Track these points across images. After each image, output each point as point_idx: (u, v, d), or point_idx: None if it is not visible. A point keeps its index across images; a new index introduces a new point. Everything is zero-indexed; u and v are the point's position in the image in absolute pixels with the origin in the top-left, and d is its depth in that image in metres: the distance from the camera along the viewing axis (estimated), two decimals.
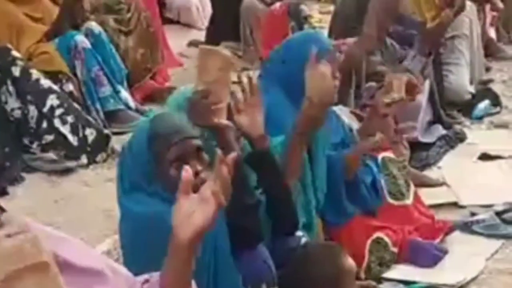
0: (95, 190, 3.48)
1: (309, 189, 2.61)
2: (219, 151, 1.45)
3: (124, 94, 4.43)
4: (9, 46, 4.01)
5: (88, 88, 4.26)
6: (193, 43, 6.01)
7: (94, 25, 4.47)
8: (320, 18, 6.50)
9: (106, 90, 4.31)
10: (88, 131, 3.89)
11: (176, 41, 5.87)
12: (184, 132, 2.01)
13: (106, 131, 4.01)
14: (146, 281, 1.50)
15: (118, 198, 2.08)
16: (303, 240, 2.39)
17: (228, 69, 2.07)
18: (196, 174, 1.97)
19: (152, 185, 2.02)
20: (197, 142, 2.03)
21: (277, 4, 5.25)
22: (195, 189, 1.42)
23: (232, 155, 1.44)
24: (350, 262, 2.25)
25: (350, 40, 4.03)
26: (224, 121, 2.05)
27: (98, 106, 4.25)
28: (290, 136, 2.42)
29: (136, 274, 2.04)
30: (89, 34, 4.39)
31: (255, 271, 2.11)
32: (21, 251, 1.28)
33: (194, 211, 1.38)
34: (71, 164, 3.74)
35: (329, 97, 2.41)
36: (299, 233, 2.39)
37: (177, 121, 2.05)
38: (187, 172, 1.41)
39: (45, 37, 4.29)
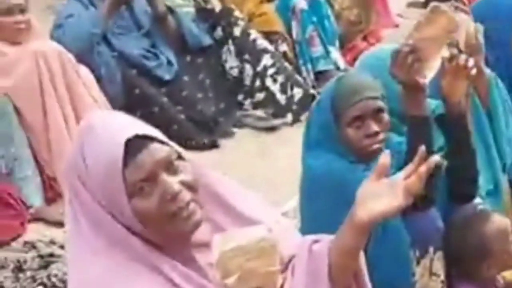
0: (296, 149, 3.65)
1: (493, 151, 2.57)
2: (423, 148, 1.39)
3: (335, 54, 4.56)
4: (233, 6, 4.28)
5: (301, 48, 4.47)
6: (412, 4, 5.95)
7: None
8: None
9: (318, 50, 4.48)
10: (296, 90, 4.08)
11: (397, 1, 5.84)
12: (363, 92, 2.05)
13: (312, 91, 4.18)
14: (316, 241, 1.51)
15: (302, 154, 2.20)
16: (480, 207, 2.35)
17: (450, 32, 2.06)
18: (375, 134, 2.05)
19: (333, 143, 2.09)
20: (377, 103, 2.06)
21: None
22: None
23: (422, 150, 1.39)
24: (496, 225, 2.18)
25: None
26: (422, 80, 2.03)
27: (309, 66, 4.44)
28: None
29: (310, 228, 2.18)
30: None
31: (424, 234, 2.12)
32: (263, 253, 1.40)
33: (380, 196, 1.37)
34: (277, 122, 3.96)
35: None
36: (477, 200, 2.35)
37: (359, 81, 2.09)
38: (386, 156, 1.41)
39: None
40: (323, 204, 2.09)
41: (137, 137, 1.36)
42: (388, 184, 1.39)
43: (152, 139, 1.38)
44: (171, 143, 1.43)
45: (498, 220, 2.21)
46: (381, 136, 2.07)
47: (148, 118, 3.69)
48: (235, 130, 3.95)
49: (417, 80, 2.03)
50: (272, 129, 3.92)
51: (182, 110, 3.82)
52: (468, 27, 2.48)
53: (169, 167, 1.39)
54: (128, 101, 3.70)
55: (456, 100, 2.16)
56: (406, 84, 2.06)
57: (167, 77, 3.82)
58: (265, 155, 3.67)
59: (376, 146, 2.07)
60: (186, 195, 1.39)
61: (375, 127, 2.06)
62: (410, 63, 2.01)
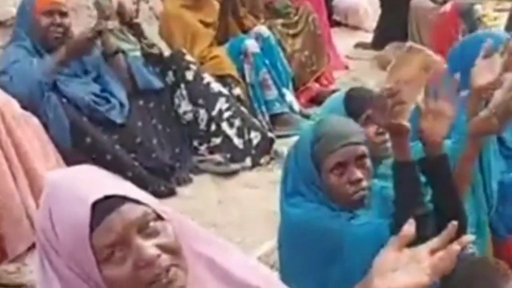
0: (258, 192, 3.58)
1: (480, 196, 2.51)
2: (455, 224, 1.31)
3: (289, 97, 4.52)
4: (184, 51, 4.20)
5: (255, 92, 4.40)
6: (359, 45, 6.00)
7: (263, 29, 4.60)
8: (495, 16, 6.25)
9: (272, 93, 4.42)
10: (253, 134, 4.01)
11: (343, 43, 5.88)
12: (346, 138, 1.99)
13: (270, 134, 4.10)
14: None
15: (280, 202, 2.10)
16: (470, 251, 2.27)
17: (428, 70, 1.98)
18: (359, 181, 1.98)
19: (312, 190, 2.02)
20: (361, 148, 2.00)
21: (448, 4, 5.10)
22: None
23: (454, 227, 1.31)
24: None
25: None
26: (404, 123, 1.96)
27: (264, 109, 4.37)
28: (464, 140, 2.34)
29: (290, 277, 2.10)
30: (258, 38, 4.53)
31: None
32: None
33: (403, 269, 1.27)
34: (236, 166, 3.86)
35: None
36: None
37: (341, 126, 2.03)
38: (411, 225, 1.32)
39: (215, 41, 4.49)
40: (305, 253, 2.01)
41: (107, 197, 1.23)
42: (411, 257, 1.28)
43: (125, 198, 1.24)
44: (150, 200, 1.29)
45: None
46: (365, 183, 2.00)
47: (100, 166, 3.60)
48: (192, 176, 3.83)
49: (400, 124, 1.96)
50: (231, 173, 3.82)
51: (136, 157, 3.68)
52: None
53: (144, 229, 1.25)
54: (79, 149, 3.53)
55: (437, 141, 2.07)
56: (389, 129, 2.00)
57: (119, 120, 3.67)
58: (226, 200, 3.55)
59: (360, 193, 2.00)
60: (165, 260, 1.25)
61: (359, 174, 1.98)
62: (391, 107, 1.94)
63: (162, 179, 3.67)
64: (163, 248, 1.25)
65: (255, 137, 4.00)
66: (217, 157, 3.89)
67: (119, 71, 3.81)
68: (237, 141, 3.97)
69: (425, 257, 1.27)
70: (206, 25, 4.55)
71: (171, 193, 3.63)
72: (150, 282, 1.24)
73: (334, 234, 1.97)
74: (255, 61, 4.41)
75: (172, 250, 1.27)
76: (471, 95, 2.34)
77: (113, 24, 3.81)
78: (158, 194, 3.56)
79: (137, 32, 4.10)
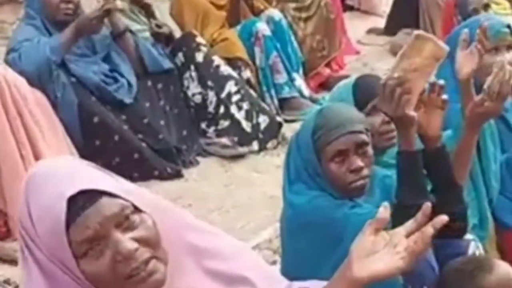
0: (264, 177, 3.57)
1: (480, 186, 2.50)
2: (428, 205, 1.31)
3: (299, 81, 4.48)
4: (194, 32, 4.18)
5: (265, 75, 4.36)
6: (372, 31, 5.94)
7: (275, 13, 4.56)
8: (506, 6, 6.15)
9: (282, 77, 4.38)
10: (261, 118, 3.99)
11: (356, 28, 5.83)
12: (347, 126, 1.98)
13: (278, 118, 4.08)
14: None
15: (282, 189, 2.10)
16: (472, 244, 2.27)
17: (437, 60, 1.95)
18: (360, 169, 1.97)
19: (314, 178, 2.02)
20: (361, 136, 1.99)
21: None
22: None
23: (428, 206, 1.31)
24: (498, 278, 2.06)
25: None
26: (411, 113, 1.94)
27: (273, 93, 4.34)
28: (462, 130, 2.33)
29: (292, 265, 2.10)
30: (269, 21, 4.49)
31: (418, 272, 2.01)
32: None
33: (378, 252, 1.28)
34: (243, 150, 3.84)
35: (508, 87, 2.28)
36: (468, 236, 2.26)
37: (342, 114, 2.01)
38: (385, 209, 1.32)
39: (227, 23, 4.46)
40: (307, 242, 2.01)
41: (84, 191, 1.22)
42: (387, 240, 1.28)
43: (102, 192, 1.24)
44: (130, 192, 1.28)
45: (500, 273, 2.06)
46: (366, 172, 1.99)
47: (107, 147, 3.62)
48: (199, 158, 3.82)
49: (407, 114, 1.94)
50: (238, 157, 3.81)
51: (143, 138, 3.67)
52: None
53: (122, 223, 1.25)
54: (87, 129, 3.53)
55: (434, 134, 2.06)
56: (395, 118, 1.98)
57: (127, 100, 3.66)
58: (232, 184, 3.55)
59: (360, 182, 1.99)
60: (144, 253, 1.25)
61: (359, 162, 1.97)
62: (398, 96, 1.92)
63: (168, 161, 3.66)
64: (141, 241, 1.25)
65: (263, 121, 3.99)
66: (225, 140, 3.88)
67: (128, 51, 3.79)
68: (245, 125, 3.95)
69: (401, 240, 1.28)
70: (218, 7, 4.51)
71: (177, 175, 3.62)
72: (128, 276, 1.24)
73: (336, 222, 1.96)
74: (266, 44, 4.37)
75: (151, 243, 1.27)
76: (461, 85, 2.33)
77: (123, 4, 3.79)
78: (164, 176, 3.59)
79: (148, 12, 4.08)
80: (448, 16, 3.88)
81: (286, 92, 4.36)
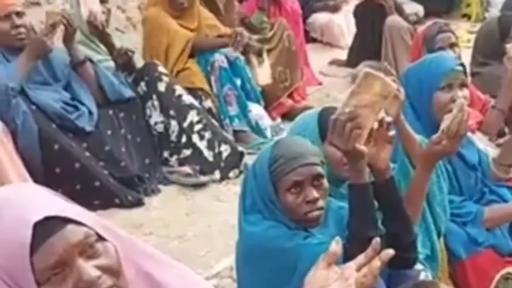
0: (226, 205, 3.57)
1: (428, 217, 2.54)
2: (378, 240, 1.36)
3: (257, 111, 4.51)
4: (157, 62, 4.20)
5: (221, 105, 4.40)
6: (334, 62, 6.04)
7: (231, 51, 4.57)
8: (468, 38, 6.31)
9: (234, 109, 4.42)
10: (223, 147, 4.00)
11: (318, 59, 5.92)
12: (304, 158, 2.03)
13: (240, 148, 4.10)
14: None
15: (238, 219, 2.14)
16: (423, 274, 2.32)
17: (385, 98, 2.03)
18: (315, 200, 2.02)
19: (270, 207, 2.05)
20: (317, 168, 2.04)
21: (421, 27, 5.12)
22: None
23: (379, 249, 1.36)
24: None
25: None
26: (362, 147, 2.02)
27: (228, 122, 4.38)
28: (417, 169, 2.40)
29: None
30: (227, 55, 4.50)
31: None
32: None
33: (330, 286, 1.32)
34: (205, 179, 3.85)
35: (465, 127, 2.35)
36: (418, 266, 2.31)
37: (299, 147, 2.07)
38: (337, 243, 1.37)
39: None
40: (262, 271, 2.04)
41: (49, 218, 1.22)
42: (339, 274, 1.33)
43: (67, 220, 1.24)
44: (93, 220, 1.29)
45: None
46: (321, 203, 2.05)
47: (68, 175, 3.57)
48: (161, 187, 3.81)
49: (357, 148, 2.02)
50: (199, 186, 3.81)
51: (104, 166, 3.65)
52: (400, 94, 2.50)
53: (86, 250, 1.26)
54: (47, 157, 3.49)
55: (383, 166, 2.14)
56: (346, 152, 2.04)
57: (88, 128, 3.64)
58: (194, 212, 3.54)
59: (316, 212, 2.04)
60: (106, 281, 1.26)
61: (315, 193, 2.02)
62: (349, 131, 1.99)
63: (130, 189, 3.64)
64: (104, 269, 1.26)
65: (225, 150, 4.00)
66: (187, 168, 3.88)
67: (88, 81, 3.79)
68: (207, 154, 3.97)
69: (352, 274, 1.32)
70: (188, 30, 4.53)
71: (138, 203, 3.60)
72: None
73: (290, 252, 2.01)
74: (221, 75, 4.42)
75: (113, 271, 1.28)
76: (395, 125, 2.38)
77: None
78: (125, 204, 3.57)
79: (108, 42, 4.08)
80: (416, 50, 3.97)
81: (236, 125, 4.40)
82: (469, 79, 3.29)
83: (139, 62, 4.29)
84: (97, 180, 3.55)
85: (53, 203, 1.27)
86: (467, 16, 7.38)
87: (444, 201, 2.60)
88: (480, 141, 3.20)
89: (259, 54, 4.64)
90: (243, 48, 4.50)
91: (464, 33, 6.73)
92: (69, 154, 3.53)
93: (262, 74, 4.69)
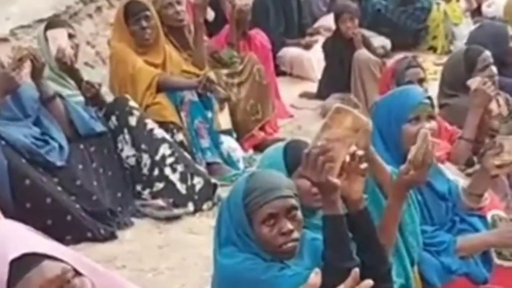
0: (199, 238, 3.55)
1: (400, 246, 2.56)
2: (357, 270, 1.40)
3: (226, 146, 4.52)
4: (127, 96, 4.19)
5: (192, 138, 4.40)
6: (304, 95, 6.09)
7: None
8: (435, 70, 6.41)
9: (206, 142, 4.42)
10: (196, 180, 4.00)
11: (289, 92, 5.97)
12: (277, 190, 2.05)
13: (213, 180, 4.10)
14: None
15: (213, 251, 2.15)
16: None
17: (357, 131, 2.06)
18: (290, 232, 2.04)
19: (244, 240, 2.06)
20: (291, 201, 2.06)
21: (391, 61, 5.20)
22: None
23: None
24: None
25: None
26: (334, 179, 2.04)
27: (200, 155, 4.38)
28: (389, 198, 2.43)
29: None
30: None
31: None
32: None
33: None
34: (178, 211, 3.84)
35: (431, 156, 2.39)
36: None
37: (273, 180, 2.09)
38: (317, 275, 1.39)
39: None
40: None
41: (26, 254, 1.23)
42: None
43: (44, 256, 1.25)
44: (70, 256, 1.30)
45: None
46: (296, 235, 2.06)
47: (40, 210, 3.53)
48: (133, 220, 3.79)
49: (330, 181, 2.04)
50: (173, 218, 3.79)
51: (76, 200, 3.62)
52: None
53: (63, 286, 1.26)
54: (18, 192, 3.46)
55: (355, 198, 2.18)
56: (319, 184, 2.07)
57: (59, 163, 3.62)
58: (167, 245, 3.51)
59: (291, 244, 2.06)
60: None
61: (289, 225, 2.04)
62: (321, 164, 2.02)
63: (102, 223, 3.62)
64: None
65: (198, 182, 4.00)
66: (160, 201, 3.87)
67: (57, 116, 3.79)
68: (180, 186, 3.96)
69: None
70: (154, 66, 4.54)
71: (111, 236, 3.58)
72: None
73: (266, 284, 2.02)
74: (191, 109, 4.42)
75: None
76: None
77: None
78: (98, 238, 3.54)
79: (77, 77, 4.07)
80: (385, 83, 4.03)
81: (208, 157, 4.40)
82: (436, 110, 3.34)
83: (108, 96, 4.29)
84: (69, 214, 3.52)
85: (30, 239, 1.27)
86: (433, 49, 7.48)
87: (416, 229, 2.62)
88: (450, 171, 3.25)
89: (221, 102, 4.63)
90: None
91: (431, 65, 6.83)
92: (40, 189, 3.51)
93: (223, 119, 4.72)
